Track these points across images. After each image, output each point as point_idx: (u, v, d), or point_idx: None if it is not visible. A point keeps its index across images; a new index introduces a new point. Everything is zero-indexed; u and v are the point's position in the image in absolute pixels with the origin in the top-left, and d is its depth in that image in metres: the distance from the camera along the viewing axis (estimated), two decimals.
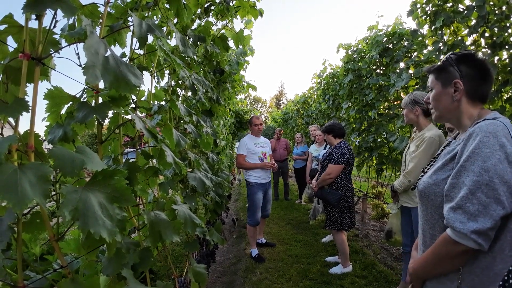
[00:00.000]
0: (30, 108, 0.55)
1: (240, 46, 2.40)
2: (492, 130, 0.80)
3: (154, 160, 1.16)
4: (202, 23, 1.88)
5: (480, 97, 0.94)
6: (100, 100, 0.84)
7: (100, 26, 0.87)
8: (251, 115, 4.13)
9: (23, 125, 0.65)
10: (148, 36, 0.84)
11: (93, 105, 0.78)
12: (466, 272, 0.84)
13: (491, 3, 2.27)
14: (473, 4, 2.35)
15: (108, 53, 0.61)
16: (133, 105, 1.15)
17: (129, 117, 0.97)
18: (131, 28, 1.08)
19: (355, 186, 6.40)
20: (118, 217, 0.55)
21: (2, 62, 0.71)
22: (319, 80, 6.64)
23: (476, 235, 0.76)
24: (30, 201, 0.38)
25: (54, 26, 0.71)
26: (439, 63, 1.01)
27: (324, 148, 4.29)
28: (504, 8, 2.18)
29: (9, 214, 0.49)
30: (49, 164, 0.47)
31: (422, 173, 1.06)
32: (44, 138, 0.77)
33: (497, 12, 2.23)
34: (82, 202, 0.47)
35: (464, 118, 0.95)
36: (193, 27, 1.85)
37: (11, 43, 0.74)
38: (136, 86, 0.61)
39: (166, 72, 1.59)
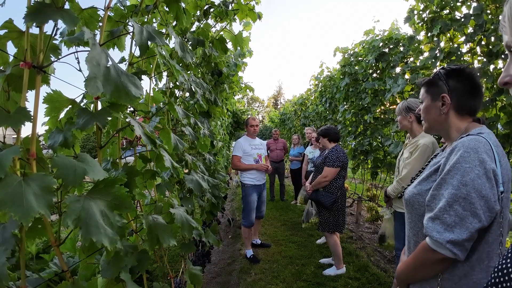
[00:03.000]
0: (32, 117, 0.56)
1: (239, 48, 2.41)
2: (474, 146, 0.83)
3: (152, 162, 1.17)
4: (201, 26, 1.88)
5: (469, 111, 0.97)
6: (99, 105, 0.85)
7: (99, 30, 0.87)
8: (248, 116, 4.14)
9: (23, 129, 0.66)
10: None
11: (92, 110, 0.79)
12: (445, 279, 0.88)
13: (489, 11, 2.30)
14: (471, 13, 2.38)
15: (110, 63, 0.62)
16: (131, 108, 1.16)
17: (128, 120, 0.98)
18: (131, 33, 1.09)
19: (350, 188, 6.48)
20: (118, 224, 0.56)
21: (1, 68, 0.71)
22: (316, 82, 6.67)
23: (452, 245, 0.79)
24: (36, 213, 0.39)
25: (55, 34, 0.72)
26: (430, 76, 1.04)
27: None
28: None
29: (12, 221, 0.50)
30: (52, 174, 0.48)
31: (410, 183, 1.09)
32: (43, 142, 0.78)
33: (494, 21, 2.25)
34: (85, 211, 0.48)
35: (452, 130, 0.98)
36: (192, 29, 1.85)
37: (11, 48, 0.74)
38: (136, 97, 0.62)
39: (164, 73, 1.59)
